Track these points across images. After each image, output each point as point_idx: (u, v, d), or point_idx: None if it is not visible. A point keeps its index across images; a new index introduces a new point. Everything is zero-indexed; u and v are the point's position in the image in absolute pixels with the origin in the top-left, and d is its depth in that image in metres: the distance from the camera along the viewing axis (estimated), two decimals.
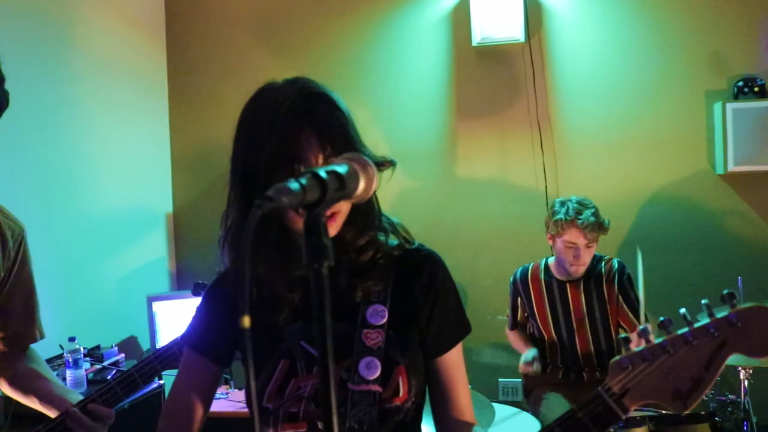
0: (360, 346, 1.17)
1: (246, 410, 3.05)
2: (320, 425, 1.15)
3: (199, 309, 1.33)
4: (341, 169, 0.84)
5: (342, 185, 0.83)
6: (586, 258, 2.96)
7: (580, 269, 2.99)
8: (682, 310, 1.06)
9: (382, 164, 1.12)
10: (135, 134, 4.01)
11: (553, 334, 3.08)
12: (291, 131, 1.09)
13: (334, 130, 1.11)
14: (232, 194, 1.20)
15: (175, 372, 1.37)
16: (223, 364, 1.31)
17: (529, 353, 3.07)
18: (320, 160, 1.09)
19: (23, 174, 3.12)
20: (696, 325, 1.05)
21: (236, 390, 3.31)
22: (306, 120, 1.10)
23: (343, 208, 1.12)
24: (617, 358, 1.07)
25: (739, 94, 3.63)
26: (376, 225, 1.20)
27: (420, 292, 1.23)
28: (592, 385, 3.00)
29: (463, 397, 1.26)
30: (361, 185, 0.88)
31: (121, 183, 3.84)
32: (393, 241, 1.24)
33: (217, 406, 3.15)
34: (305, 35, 4.18)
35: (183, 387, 1.29)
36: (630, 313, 3.02)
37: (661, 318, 1.05)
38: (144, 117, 4.16)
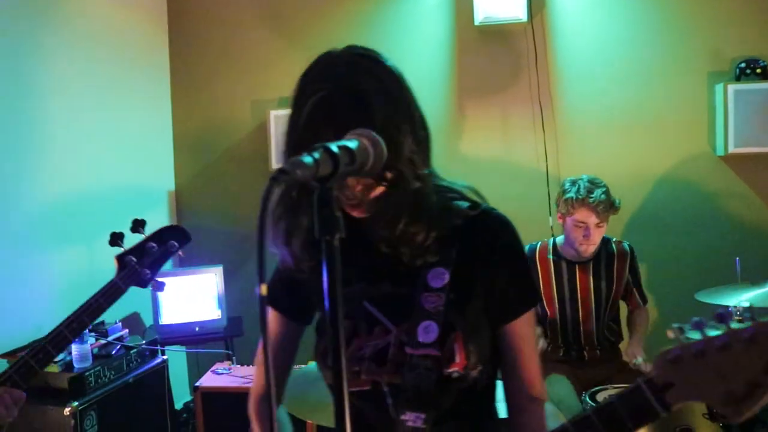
0: (419, 310, 1.17)
1: (249, 384, 3.09)
2: (383, 385, 1.18)
3: (275, 270, 1.34)
4: (352, 144, 0.87)
5: (353, 160, 0.85)
6: (596, 237, 2.97)
7: (590, 249, 3.00)
8: (746, 303, 0.99)
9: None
10: (136, 112, 4.01)
11: (557, 313, 3.10)
12: (316, 119, 1.09)
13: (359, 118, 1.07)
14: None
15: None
16: (301, 322, 1.36)
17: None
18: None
19: (19, 150, 3.14)
20: (762, 319, 0.89)
21: (238, 365, 3.35)
22: (343, 86, 1.10)
23: (375, 191, 1.10)
24: (667, 348, 0.96)
25: (741, 76, 3.63)
26: (431, 213, 1.16)
27: (484, 255, 1.20)
28: (592, 363, 3.06)
29: (532, 369, 1.23)
30: (370, 161, 0.90)
31: (123, 160, 3.85)
32: (462, 203, 1.22)
33: (219, 381, 3.19)
34: (307, 15, 4.17)
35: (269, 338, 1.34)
36: (638, 294, 3.14)
37: (695, 318, 0.96)
38: (145, 95, 4.16)
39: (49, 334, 1.69)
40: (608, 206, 2.93)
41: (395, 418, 1.16)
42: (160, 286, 1.94)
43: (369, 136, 0.91)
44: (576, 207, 2.92)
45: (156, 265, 1.92)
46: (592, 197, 2.90)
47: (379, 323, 1.20)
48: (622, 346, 3.17)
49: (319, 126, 1.07)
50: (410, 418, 1.14)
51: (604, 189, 2.95)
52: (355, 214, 1.15)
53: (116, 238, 1.88)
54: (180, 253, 1.97)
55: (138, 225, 1.93)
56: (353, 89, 1.09)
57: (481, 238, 1.20)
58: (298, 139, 1.12)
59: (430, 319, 1.16)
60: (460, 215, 1.19)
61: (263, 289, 0.68)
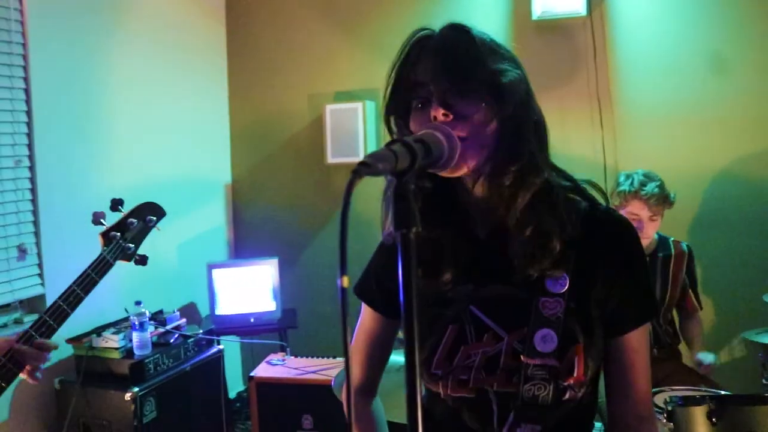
0: (537, 315, 1.08)
1: (303, 376, 3.13)
2: (490, 393, 1.11)
3: (370, 263, 1.31)
4: (427, 138, 0.87)
5: (428, 153, 0.85)
6: (650, 231, 2.92)
7: (644, 243, 2.94)
8: None
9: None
10: (194, 105, 4.09)
11: None
12: (412, 57, 1.06)
13: (462, 61, 1.02)
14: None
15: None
16: (397, 317, 1.27)
17: None
18: (440, 93, 1.02)
19: (86, 142, 3.24)
20: None
21: (292, 357, 3.39)
22: (428, 48, 1.05)
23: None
24: None
25: None
26: (540, 170, 1.08)
27: (606, 260, 1.11)
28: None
29: (642, 386, 1.15)
30: (446, 152, 0.90)
31: (181, 153, 3.93)
32: (581, 203, 1.13)
33: (273, 372, 3.23)
34: (364, 9, 4.17)
35: (361, 335, 1.31)
36: (694, 297, 3.06)
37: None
38: (203, 88, 4.24)
39: (50, 307, 1.80)
40: (661, 199, 2.87)
41: (498, 428, 1.11)
42: (144, 260, 2.05)
43: (443, 129, 0.91)
44: (629, 199, 2.89)
45: (137, 240, 2.03)
46: (644, 190, 2.85)
47: (489, 329, 1.12)
48: (681, 347, 3.10)
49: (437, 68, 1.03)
50: (525, 430, 1.08)
51: (658, 182, 2.89)
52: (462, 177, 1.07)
53: (98, 218, 1.98)
54: (157, 227, 2.09)
55: (116, 204, 2.04)
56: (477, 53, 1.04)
57: (602, 242, 1.11)
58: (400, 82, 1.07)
59: (548, 326, 1.07)
60: (581, 215, 1.11)
61: (344, 281, 0.68)
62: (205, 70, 4.27)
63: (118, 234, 1.98)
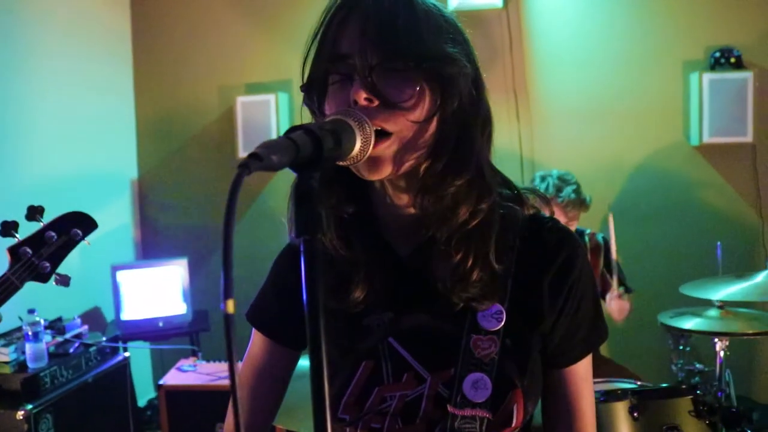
0: (467, 356, 0.90)
1: (215, 382, 2.97)
2: None
3: (266, 282, 1.10)
4: (337, 125, 0.75)
5: (338, 143, 0.72)
6: None
7: None
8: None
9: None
10: (97, 98, 3.85)
11: None
12: (336, 21, 0.87)
13: (398, 32, 0.83)
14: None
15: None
16: (296, 347, 1.07)
17: None
18: (366, 61, 0.84)
19: None
20: None
21: (203, 362, 3.22)
22: (357, 11, 0.86)
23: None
24: None
25: (715, 65, 3.59)
26: (490, 187, 0.92)
27: (549, 285, 0.94)
28: None
29: (590, 417, 1.00)
30: (357, 145, 0.77)
31: (82, 147, 3.68)
32: (522, 216, 0.96)
33: (184, 379, 3.06)
34: None
35: (248, 369, 1.08)
36: (610, 280, 3.04)
37: None
38: (107, 80, 4.00)
39: None
40: (578, 204, 2.88)
41: None
42: (65, 281, 1.71)
43: (355, 115, 0.78)
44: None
45: (56, 257, 1.68)
46: (561, 196, 2.85)
47: (410, 368, 0.93)
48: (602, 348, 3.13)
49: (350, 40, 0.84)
50: None
51: (574, 186, 2.89)
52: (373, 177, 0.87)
53: (8, 228, 1.62)
54: (86, 242, 1.74)
55: (34, 212, 1.66)
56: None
57: (544, 261, 0.94)
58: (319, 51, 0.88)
59: (481, 370, 0.90)
60: (520, 232, 0.94)
61: (230, 306, 0.55)
62: (109, 61, 4.02)
63: (30, 250, 1.64)
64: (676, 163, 3.73)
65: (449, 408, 0.90)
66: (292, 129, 0.69)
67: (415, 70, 0.84)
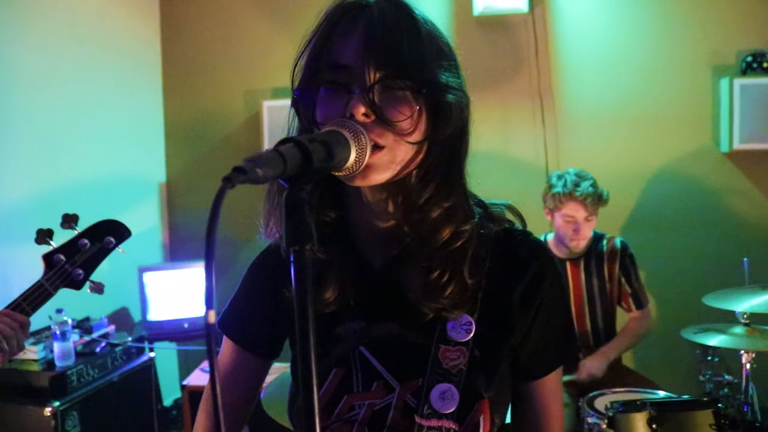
0: (435, 366, 0.91)
1: None
2: None
3: (239, 288, 1.11)
4: (329, 137, 0.75)
5: (329, 155, 0.72)
6: (587, 232, 2.89)
7: (581, 244, 2.91)
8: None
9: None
10: (126, 102, 3.91)
11: None
12: (335, 32, 0.87)
13: (404, 48, 0.84)
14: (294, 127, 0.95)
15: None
16: (268, 356, 1.07)
17: None
18: (368, 77, 0.84)
19: (7, 141, 3.04)
20: None
21: None
22: (361, 22, 0.86)
23: (399, 154, 0.86)
24: None
25: (747, 70, 3.53)
26: (472, 209, 0.94)
27: (520, 298, 0.95)
28: None
29: (555, 430, 1.01)
30: (352, 156, 0.77)
31: (112, 151, 3.75)
32: (492, 231, 0.97)
33: (207, 379, 3.09)
34: (302, 4, 4.04)
35: (222, 381, 1.07)
36: (631, 298, 2.98)
37: None
38: (136, 85, 4.06)
39: None
40: (596, 198, 2.84)
41: None
42: (99, 288, 1.73)
43: (350, 126, 0.78)
44: (564, 201, 2.85)
45: (90, 265, 1.69)
46: (579, 190, 2.82)
47: (380, 377, 0.94)
48: (627, 359, 3.08)
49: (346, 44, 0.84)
50: None
51: (591, 181, 2.87)
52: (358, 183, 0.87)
53: (43, 235, 1.66)
54: (120, 249, 1.75)
55: (69, 220, 1.70)
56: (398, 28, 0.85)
57: (515, 273, 0.95)
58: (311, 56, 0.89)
59: (449, 381, 0.90)
60: (492, 246, 0.95)
61: (211, 316, 0.56)
62: (138, 66, 4.08)
63: (64, 258, 1.65)
64: (704, 169, 3.66)
65: (416, 418, 0.90)
66: (283, 141, 0.69)
67: (414, 93, 0.85)
